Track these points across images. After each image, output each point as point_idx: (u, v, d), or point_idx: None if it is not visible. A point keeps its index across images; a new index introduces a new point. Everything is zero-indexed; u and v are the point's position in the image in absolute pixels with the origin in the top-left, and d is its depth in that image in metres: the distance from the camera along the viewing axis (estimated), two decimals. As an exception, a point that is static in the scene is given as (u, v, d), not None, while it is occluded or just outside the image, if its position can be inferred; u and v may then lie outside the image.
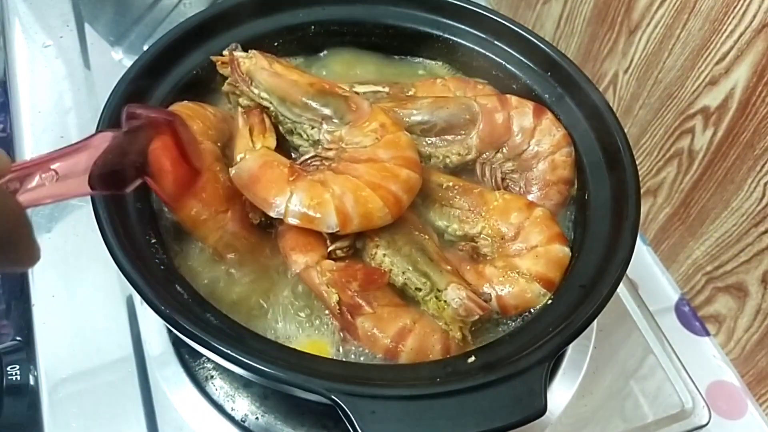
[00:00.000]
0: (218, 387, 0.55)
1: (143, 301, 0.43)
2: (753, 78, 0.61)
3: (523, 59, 0.63)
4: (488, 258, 0.53)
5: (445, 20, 0.65)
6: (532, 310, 0.50)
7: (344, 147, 0.52)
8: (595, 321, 0.47)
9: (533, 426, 0.42)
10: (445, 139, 0.58)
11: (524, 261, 0.52)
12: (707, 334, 0.75)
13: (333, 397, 0.39)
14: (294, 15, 0.64)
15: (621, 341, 0.64)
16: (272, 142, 0.53)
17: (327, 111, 0.53)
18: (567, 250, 0.53)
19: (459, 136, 0.58)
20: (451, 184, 0.56)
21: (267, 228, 0.52)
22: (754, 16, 0.59)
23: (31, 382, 0.56)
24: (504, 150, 0.59)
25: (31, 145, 0.69)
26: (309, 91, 0.53)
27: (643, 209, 0.54)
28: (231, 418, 0.54)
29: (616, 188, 0.55)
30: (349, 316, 0.47)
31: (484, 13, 0.64)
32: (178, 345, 0.57)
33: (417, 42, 0.66)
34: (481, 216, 0.54)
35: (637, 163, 0.55)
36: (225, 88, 0.57)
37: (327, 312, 0.49)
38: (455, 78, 0.65)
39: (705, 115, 0.68)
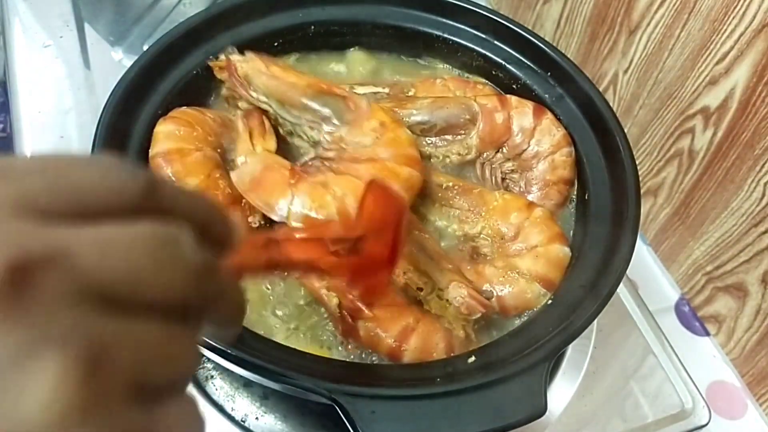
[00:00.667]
0: (218, 387, 0.55)
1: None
2: (753, 78, 0.61)
3: (523, 59, 0.63)
4: (488, 258, 0.53)
5: (445, 20, 0.65)
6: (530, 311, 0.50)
7: (344, 147, 0.52)
8: (595, 321, 0.47)
9: (533, 426, 0.42)
10: (445, 138, 0.58)
11: (524, 261, 0.52)
12: (707, 334, 0.75)
13: (333, 397, 0.39)
14: (294, 15, 0.64)
15: (621, 341, 0.64)
16: (272, 144, 0.53)
17: (326, 111, 0.53)
18: (567, 250, 0.53)
19: (459, 136, 0.58)
20: (450, 184, 0.56)
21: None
22: (754, 16, 0.59)
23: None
24: (504, 150, 0.59)
25: (31, 145, 0.69)
26: (307, 93, 0.53)
27: (643, 209, 0.54)
28: (231, 418, 0.54)
29: (616, 188, 0.55)
30: (350, 319, 0.47)
31: (484, 13, 0.64)
32: (178, 345, 0.56)
33: (417, 42, 0.66)
34: (481, 216, 0.54)
35: (637, 163, 0.55)
36: (224, 92, 0.57)
37: (326, 315, 0.49)
38: (455, 78, 0.65)
39: (705, 115, 0.68)
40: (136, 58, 0.55)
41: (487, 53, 0.64)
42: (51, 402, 0.16)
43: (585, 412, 0.59)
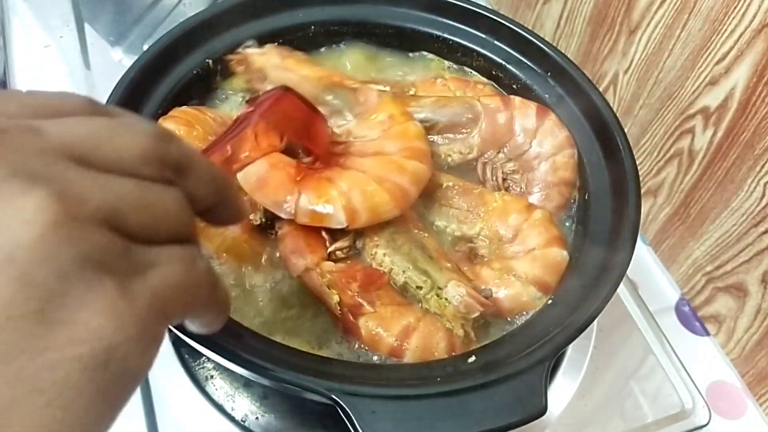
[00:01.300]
0: (218, 387, 0.55)
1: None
2: (753, 78, 0.61)
3: (523, 59, 0.63)
4: (485, 260, 0.53)
5: (445, 20, 0.65)
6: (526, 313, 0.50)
7: (353, 141, 0.52)
8: (595, 321, 0.47)
9: (533, 426, 0.42)
10: (447, 137, 0.58)
11: (521, 263, 0.52)
12: (707, 334, 0.75)
13: (333, 396, 0.39)
14: (294, 15, 0.64)
15: (621, 341, 0.64)
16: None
17: (336, 104, 0.53)
18: (565, 253, 0.52)
19: (461, 135, 0.58)
20: (451, 184, 0.56)
21: (267, 229, 0.52)
22: (754, 16, 0.59)
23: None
24: (505, 150, 0.59)
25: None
26: (317, 86, 0.53)
27: (643, 209, 0.54)
28: (231, 418, 0.54)
29: (616, 188, 0.55)
30: (351, 317, 0.47)
31: (484, 13, 0.64)
32: (177, 345, 0.56)
33: (417, 42, 0.66)
34: (480, 217, 0.54)
35: (637, 163, 0.55)
36: (239, 84, 0.57)
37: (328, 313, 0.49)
38: (455, 78, 0.65)
39: (705, 115, 0.68)
40: (136, 58, 0.55)
41: (487, 53, 0.64)
42: (33, 219, 0.20)
43: (585, 412, 0.59)
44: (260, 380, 0.43)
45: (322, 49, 0.66)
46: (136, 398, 0.54)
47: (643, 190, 0.76)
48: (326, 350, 0.48)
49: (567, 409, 0.59)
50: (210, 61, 0.59)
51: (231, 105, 0.61)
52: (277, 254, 0.51)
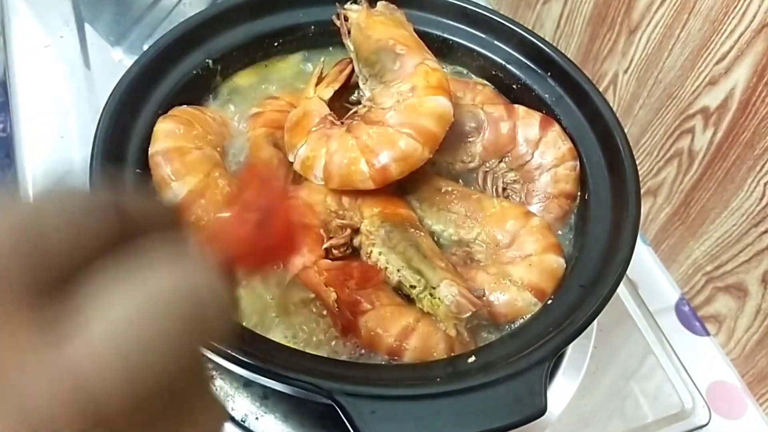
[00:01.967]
0: (218, 387, 0.55)
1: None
2: (753, 78, 0.61)
3: (523, 59, 0.63)
4: (481, 264, 0.53)
5: (445, 20, 0.65)
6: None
7: (372, 106, 0.52)
8: (595, 321, 0.47)
9: (533, 426, 0.42)
10: (449, 145, 0.58)
11: (517, 269, 0.51)
12: (707, 334, 0.75)
13: (333, 397, 0.39)
14: (294, 15, 0.64)
15: (621, 341, 0.64)
16: (327, 93, 0.56)
17: (377, 68, 0.53)
18: (561, 260, 0.52)
19: (463, 144, 0.58)
20: (450, 188, 0.56)
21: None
22: (754, 16, 0.59)
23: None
24: (507, 159, 0.58)
25: (31, 145, 0.69)
26: (371, 48, 0.54)
27: (643, 209, 0.54)
28: (231, 418, 0.54)
29: (616, 188, 0.55)
30: (350, 315, 0.47)
31: (484, 13, 0.64)
32: (178, 345, 0.56)
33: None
34: (478, 222, 0.54)
35: (637, 163, 0.55)
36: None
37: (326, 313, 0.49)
38: (455, 78, 0.65)
39: (705, 115, 0.68)
40: (136, 58, 0.55)
41: (487, 53, 0.64)
42: None
43: (585, 412, 0.59)
44: (260, 380, 0.43)
45: (324, 51, 0.66)
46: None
47: (643, 190, 0.76)
48: (326, 350, 0.48)
49: (567, 409, 0.59)
50: (210, 61, 0.59)
51: (231, 105, 0.61)
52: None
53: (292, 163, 0.54)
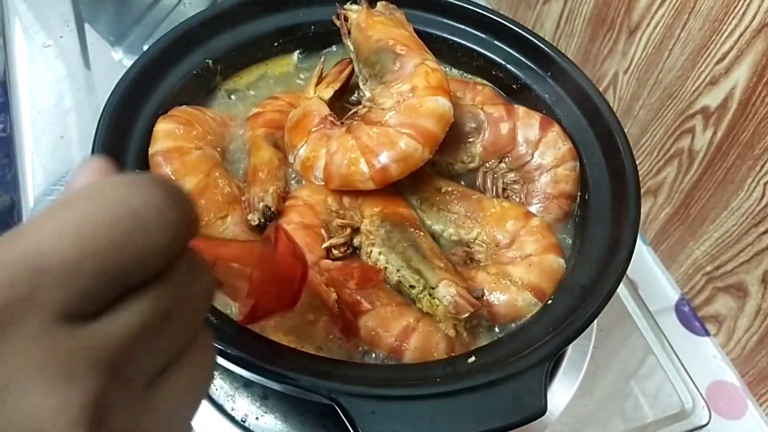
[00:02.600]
0: (218, 387, 0.55)
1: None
2: (753, 78, 0.61)
3: (523, 59, 0.63)
4: (481, 264, 0.53)
5: (445, 20, 0.65)
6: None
7: (372, 106, 0.52)
8: (595, 321, 0.47)
9: (533, 426, 0.42)
10: (449, 146, 0.58)
11: (517, 269, 0.51)
12: (707, 334, 0.75)
13: (333, 397, 0.39)
14: (294, 15, 0.64)
15: (621, 341, 0.64)
16: (327, 93, 0.56)
17: (377, 68, 0.53)
18: (561, 261, 0.52)
19: (463, 144, 0.58)
20: (450, 188, 0.56)
21: (265, 230, 0.52)
22: (754, 16, 0.59)
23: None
24: (507, 160, 0.58)
25: (31, 145, 0.69)
26: (372, 48, 0.54)
27: (643, 209, 0.54)
28: (231, 418, 0.54)
29: (616, 188, 0.55)
30: (350, 315, 0.47)
31: (484, 13, 0.64)
32: (178, 345, 0.56)
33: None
34: (478, 222, 0.54)
35: (637, 163, 0.55)
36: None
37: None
38: (455, 78, 0.65)
39: (705, 115, 0.68)
40: (136, 58, 0.55)
41: (487, 53, 0.64)
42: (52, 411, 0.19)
43: (585, 412, 0.59)
44: (260, 381, 0.43)
45: (324, 51, 0.66)
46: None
47: (643, 190, 0.76)
48: (326, 351, 0.48)
49: (567, 409, 0.59)
50: (210, 61, 0.59)
51: (231, 105, 0.61)
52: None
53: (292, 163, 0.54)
